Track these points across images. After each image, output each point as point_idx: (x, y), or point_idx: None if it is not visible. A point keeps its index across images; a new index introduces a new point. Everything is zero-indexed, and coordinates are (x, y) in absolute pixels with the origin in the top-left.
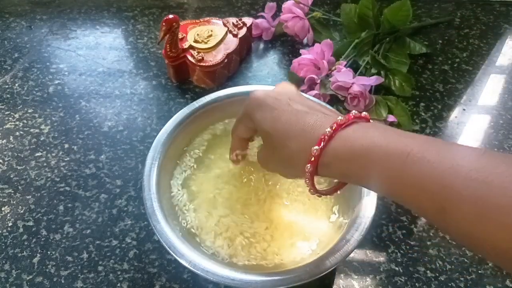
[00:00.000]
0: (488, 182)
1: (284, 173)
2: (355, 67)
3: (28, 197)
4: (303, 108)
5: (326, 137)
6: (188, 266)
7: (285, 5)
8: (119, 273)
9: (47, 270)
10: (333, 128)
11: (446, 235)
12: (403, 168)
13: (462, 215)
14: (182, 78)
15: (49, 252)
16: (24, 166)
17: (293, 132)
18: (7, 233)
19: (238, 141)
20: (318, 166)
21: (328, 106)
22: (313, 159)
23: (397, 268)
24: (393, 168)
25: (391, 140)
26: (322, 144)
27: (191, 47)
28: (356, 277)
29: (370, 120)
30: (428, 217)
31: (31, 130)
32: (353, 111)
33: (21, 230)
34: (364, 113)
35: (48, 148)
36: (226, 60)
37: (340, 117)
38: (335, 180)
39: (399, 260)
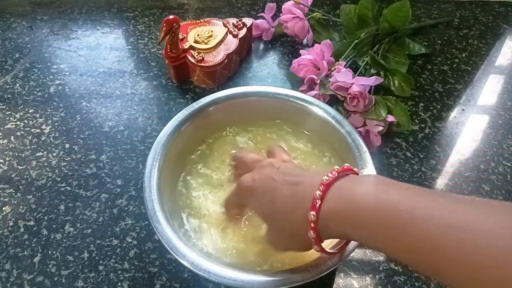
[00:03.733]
0: (476, 245)
1: (296, 248)
2: (354, 68)
3: (29, 196)
4: (291, 178)
5: (318, 200)
6: (190, 267)
7: (285, 6)
8: (119, 272)
9: (48, 269)
10: (322, 190)
11: None
12: (394, 232)
13: (455, 276)
14: (182, 78)
15: (50, 252)
16: (25, 166)
17: (291, 206)
18: (8, 233)
19: (233, 217)
20: (319, 231)
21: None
22: (313, 224)
23: (396, 268)
24: (384, 233)
25: (379, 199)
26: (317, 208)
27: (191, 47)
28: (356, 276)
29: (355, 169)
30: (428, 276)
31: (32, 130)
32: (336, 166)
33: (22, 229)
34: (346, 165)
35: (49, 148)
36: (226, 61)
37: (325, 177)
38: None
39: None
